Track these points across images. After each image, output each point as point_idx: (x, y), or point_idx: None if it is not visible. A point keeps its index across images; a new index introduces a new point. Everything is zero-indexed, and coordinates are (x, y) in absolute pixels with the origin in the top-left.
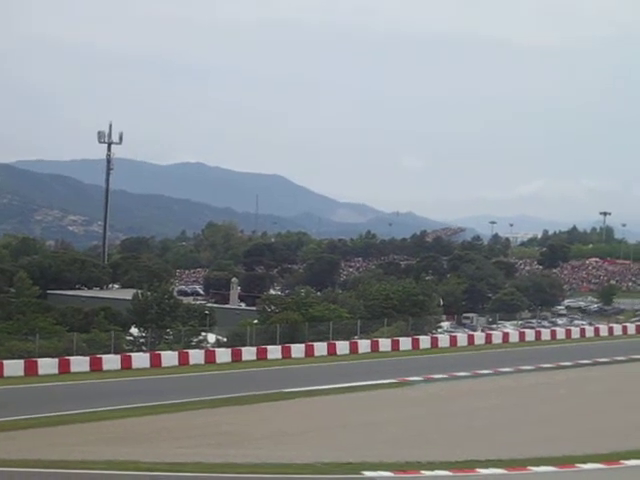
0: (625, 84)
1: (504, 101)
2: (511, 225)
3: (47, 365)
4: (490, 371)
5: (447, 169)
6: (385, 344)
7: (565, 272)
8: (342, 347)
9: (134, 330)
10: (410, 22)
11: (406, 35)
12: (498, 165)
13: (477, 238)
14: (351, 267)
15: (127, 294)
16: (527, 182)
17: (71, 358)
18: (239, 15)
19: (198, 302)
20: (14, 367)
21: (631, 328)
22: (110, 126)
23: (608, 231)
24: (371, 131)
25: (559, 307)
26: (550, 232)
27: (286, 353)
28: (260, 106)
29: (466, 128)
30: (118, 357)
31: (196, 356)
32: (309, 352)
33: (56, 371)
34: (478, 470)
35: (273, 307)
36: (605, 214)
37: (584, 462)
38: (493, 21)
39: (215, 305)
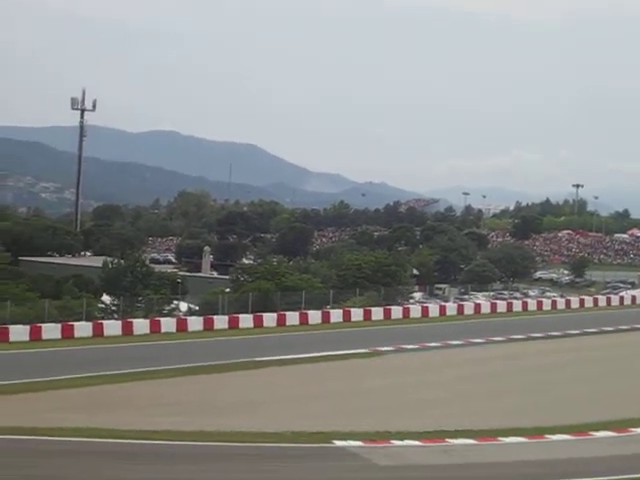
0: (601, 58)
1: (480, 73)
2: (484, 197)
3: (18, 332)
4: (461, 342)
5: (422, 140)
6: (357, 314)
7: (537, 244)
8: (314, 316)
9: (106, 298)
10: None
11: (377, 5)
12: (472, 137)
13: (450, 209)
14: (324, 237)
15: (99, 261)
16: (501, 154)
17: (43, 325)
18: None
19: (170, 270)
20: None
21: (602, 300)
22: (83, 93)
23: (581, 203)
24: (346, 101)
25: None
26: (523, 204)
27: (258, 322)
28: (237, 75)
29: (442, 99)
30: (90, 324)
31: (168, 324)
32: (281, 321)
33: (27, 338)
34: (448, 440)
35: (246, 276)
36: (578, 186)
37: (553, 433)
38: None
39: (187, 274)
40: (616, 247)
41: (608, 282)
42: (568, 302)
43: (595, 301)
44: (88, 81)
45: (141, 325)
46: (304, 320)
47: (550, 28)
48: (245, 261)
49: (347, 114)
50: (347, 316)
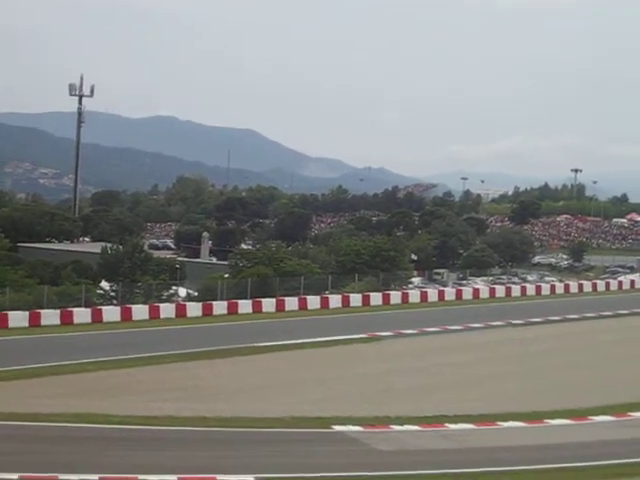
0: (603, 43)
1: (480, 60)
2: (482, 181)
3: (17, 318)
4: (460, 327)
5: (420, 125)
6: (356, 299)
7: (536, 229)
8: (313, 302)
9: (105, 284)
10: None
11: None
12: (471, 122)
13: (449, 194)
14: (322, 222)
15: (98, 247)
16: (500, 139)
17: (42, 311)
18: None
19: (169, 256)
20: None
21: (601, 285)
22: (81, 78)
23: (579, 188)
24: (345, 86)
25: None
26: (521, 189)
27: (257, 307)
28: (235, 60)
29: (441, 85)
30: (89, 310)
31: (167, 310)
32: (280, 307)
33: (26, 324)
34: (447, 425)
35: (245, 262)
36: (576, 171)
37: (552, 418)
38: None
39: (186, 259)
40: (614, 232)
41: (607, 267)
42: (567, 287)
43: (594, 286)
44: (87, 66)
45: (140, 311)
46: (303, 305)
47: (551, 11)
48: (244, 246)
49: (346, 99)
50: (346, 301)
